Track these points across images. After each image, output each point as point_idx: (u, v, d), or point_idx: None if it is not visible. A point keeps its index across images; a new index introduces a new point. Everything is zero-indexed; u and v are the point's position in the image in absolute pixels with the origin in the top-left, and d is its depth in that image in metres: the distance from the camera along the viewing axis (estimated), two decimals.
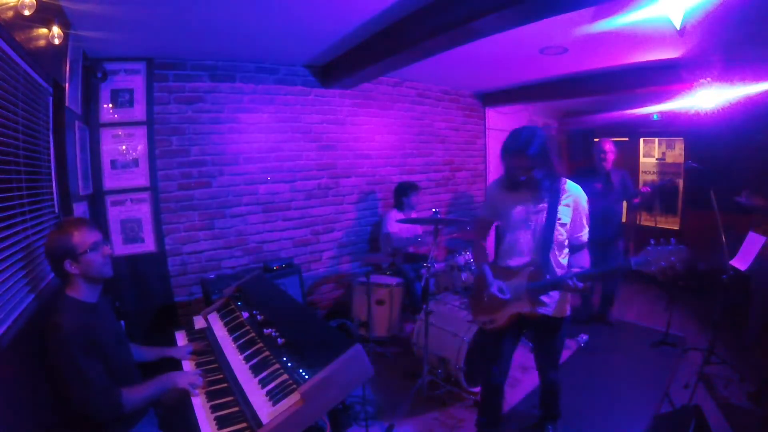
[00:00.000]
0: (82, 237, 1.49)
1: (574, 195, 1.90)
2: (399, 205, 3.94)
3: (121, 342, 1.68)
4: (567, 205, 1.88)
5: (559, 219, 1.85)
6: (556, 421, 2.29)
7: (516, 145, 1.80)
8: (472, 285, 2.27)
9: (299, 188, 3.71)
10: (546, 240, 1.86)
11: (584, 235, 1.94)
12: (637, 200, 3.59)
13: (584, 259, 1.97)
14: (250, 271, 3.22)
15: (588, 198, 3.81)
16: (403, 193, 3.89)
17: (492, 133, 5.45)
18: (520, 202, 1.91)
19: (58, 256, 1.46)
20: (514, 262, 1.96)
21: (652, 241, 1.66)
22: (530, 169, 1.78)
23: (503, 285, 1.92)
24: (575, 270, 1.86)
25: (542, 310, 1.92)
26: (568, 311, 2.01)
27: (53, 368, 1.37)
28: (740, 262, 2.73)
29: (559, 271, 1.89)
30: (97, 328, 1.48)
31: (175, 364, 1.86)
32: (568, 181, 1.92)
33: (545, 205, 1.87)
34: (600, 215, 3.59)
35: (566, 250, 1.94)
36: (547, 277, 1.86)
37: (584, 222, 1.93)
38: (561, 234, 1.87)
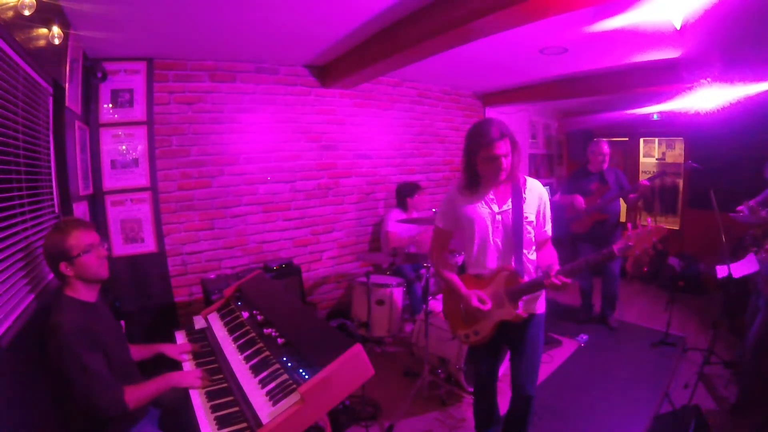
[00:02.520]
0: (78, 239, 1.49)
1: (536, 190, 1.84)
2: (402, 205, 3.95)
3: (121, 341, 1.68)
4: (531, 202, 1.81)
5: (526, 218, 1.78)
6: None
7: (497, 131, 1.67)
8: (442, 300, 2.10)
9: (299, 188, 3.71)
10: (517, 241, 1.78)
11: (549, 229, 1.89)
12: (633, 195, 3.54)
13: (552, 254, 1.89)
14: (250, 271, 3.23)
15: (584, 198, 3.83)
16: (407, 194, 3.91)
17: None
18: (486, 206, 1.81)
19: (53, 258, 1.47)
20: (485, 268, 1.84)
21: (630, 226, 1.70)
22: (507, 155, 1.70)
23: (482, 294, 1.80)
24: (557, 266, 1.73)
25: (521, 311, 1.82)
26: (540, 308, 1.90)
27: (56, 368, 1.37)
28: (737, 269, 2.71)
29: (530, 269, 1.83)
30: (98, 326, 1.48)
31: (176, 363, 1.86)
32: (527, 177, 1.87)
33: (510, 205, 1.80)
34: (596, 215, 3.60)
35: (533, 247, 1.87)
36: (525, 278, 1.78)
37: (548, 216, 1.88)
38: (529, 232, 1.81)
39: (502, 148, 1.68)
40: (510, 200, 1.79)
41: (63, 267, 1.46)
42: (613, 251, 1.68)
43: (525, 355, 1.89)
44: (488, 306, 1.78)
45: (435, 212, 2.99)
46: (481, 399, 2.10)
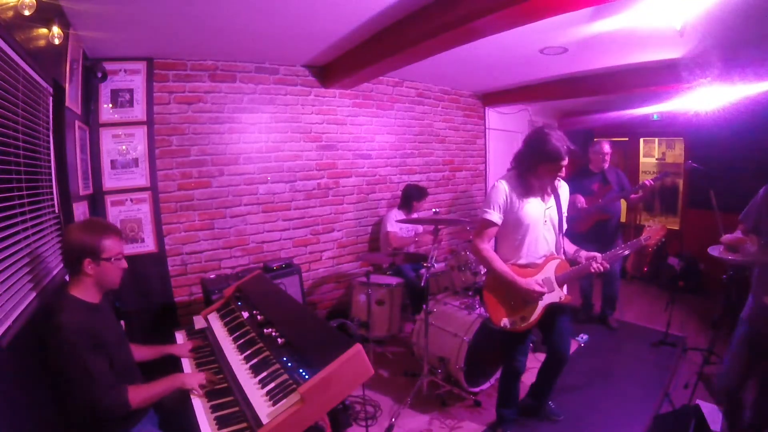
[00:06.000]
0: (113, 244, 1.53)
1: (564, 189, 2.21)
2: (406, 207, 3.91)
3: (123, 342, 1.68)
4: (564, 200, 2.16)
5: (564, 213, 2.13)
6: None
7: (567, 149, 1.92)
8: (486, 291, 2.18)
9: (299, 188, 3.71)
10: (558, 233, 2.14)
11: (565, 222, 2.22)
12: (635, 195, 3.55)
13: (568, 243, 2.25)
14: (250, 271, 3.22)
15: (585, 198, 3.87)
16: (413, 197, 3.86)
17: (492, 133, 5.46)
18: (537, 203, 2.07)
19: (80, 252, 1.47)
20: (536, 258, 2.10)
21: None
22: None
23: (539, 280, 2.06)
24: (598, 254, 2.09)
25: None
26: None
27: (58, 368, 1.36)
28: None
29: (564, 257, 2.17)
30: (101, 327, 1.48)
31: (177, 364, 1.86)
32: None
33: (553, 203, 2.11)
34: (599, 215, 3.60)
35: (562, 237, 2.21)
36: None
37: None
38: (564, 225, 2.16)
39: (563, 165, 1.97)
40: (552, 198, 2.12)
41: (87, 263, 1.47)
42: (640, 240, 2.15)
43: (561, 328, 2.23)
44: (545, 290, 2.05)
45: (435, 211, 3.02)
46: (512, 380, 2.33)
